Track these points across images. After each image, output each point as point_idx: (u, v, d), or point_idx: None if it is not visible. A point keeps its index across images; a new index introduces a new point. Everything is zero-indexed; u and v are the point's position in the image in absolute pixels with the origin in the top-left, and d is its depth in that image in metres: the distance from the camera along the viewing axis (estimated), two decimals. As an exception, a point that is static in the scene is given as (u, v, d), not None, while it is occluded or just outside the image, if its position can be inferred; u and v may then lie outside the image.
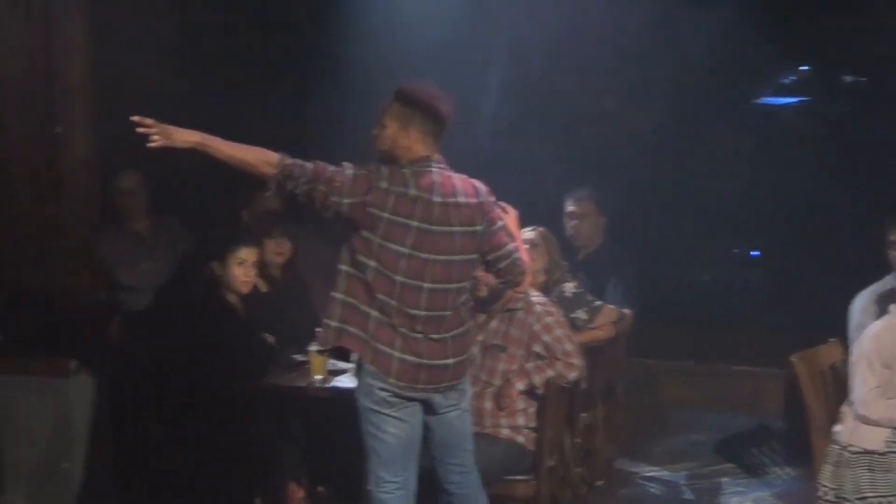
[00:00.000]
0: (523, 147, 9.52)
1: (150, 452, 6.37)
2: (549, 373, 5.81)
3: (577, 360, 5.87)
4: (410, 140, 4.87)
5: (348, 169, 4.78)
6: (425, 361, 4.87)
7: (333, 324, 4.88)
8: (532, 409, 5.87)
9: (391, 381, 4.84)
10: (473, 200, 4.94)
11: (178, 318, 6.42)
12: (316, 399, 6.03)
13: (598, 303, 6.75)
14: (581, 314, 6.66)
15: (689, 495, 6.63)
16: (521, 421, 5.86)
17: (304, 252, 7.27)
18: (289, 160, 4.73)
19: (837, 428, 5.33)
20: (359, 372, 4.93)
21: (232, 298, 6.34)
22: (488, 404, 5.84)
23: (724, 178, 9.80)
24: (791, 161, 9.57)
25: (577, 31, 8.89)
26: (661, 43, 9.00)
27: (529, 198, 8.46)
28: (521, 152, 9.50)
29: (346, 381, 5.87)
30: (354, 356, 4.98)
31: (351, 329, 4.86)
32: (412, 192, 4.79)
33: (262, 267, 6.74)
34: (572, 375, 5.86)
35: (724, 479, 6.77)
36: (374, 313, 4.83)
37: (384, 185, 4.76)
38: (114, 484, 6.39)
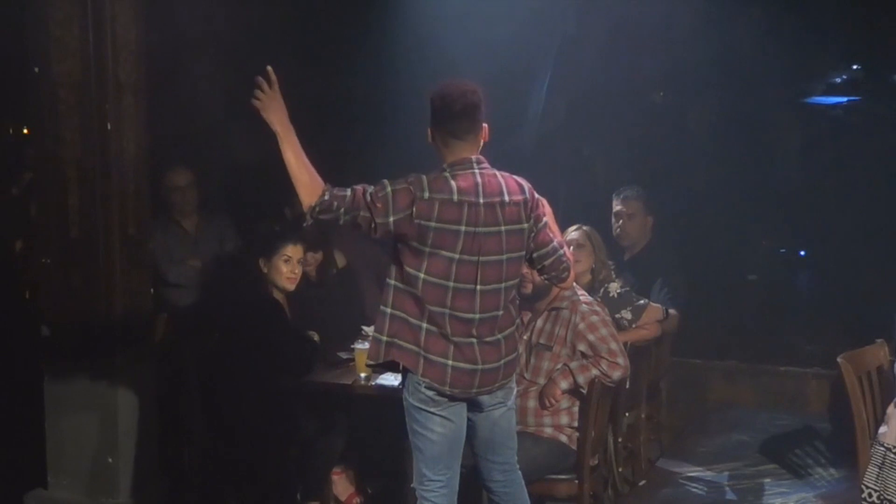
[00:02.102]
0: (572, 146, 9.55)
1: (194, 447, 6.42)
2: (594, 372, 5.81)
3: (622, 360, 5.87)
4: (437, 141, 4.87)
5: (387, 186, 4.74)
6: (480, 367, 4.87)
7: (384, 338, 4.88)
8: (575, 409, 5.88)
9: (446, 388, 4.85)
10: (519, 198, 4.90)
11: (225, 315, 6.47)
12: (360, 396, 6.07)
13: (642, 302, 6.75)
14: (626, 314, 6.67)
15: (731, 496, 6.59)
16: (564, 420, 5.87)
17: (354, 250, 7.32)
18: (328, 195, 4.67)
19: (883, 429, 5.28)
20: (405, 371, 4.93)
21: (278, 295, 6.38)
22: (532, 403, 5.86)
23: (773, 177, 9.78)
24: (840, 160, 9.53)
25: (626, 29, 8.90)
26: (710, 42, 8.99)
27: (578, 197, 8.52)
28: (570, 152, 9.53)
29: (391, 379, 5.90)
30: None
31: (401, 342, 4.86)
32: (455, 197, 4.76)
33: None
34: (616, 375, 5.86)
35: (768, 480, 6.72)
36: (426, 325, 4.82)
37: (426, 194, 4.73)
38: (159, 478, 6.45)
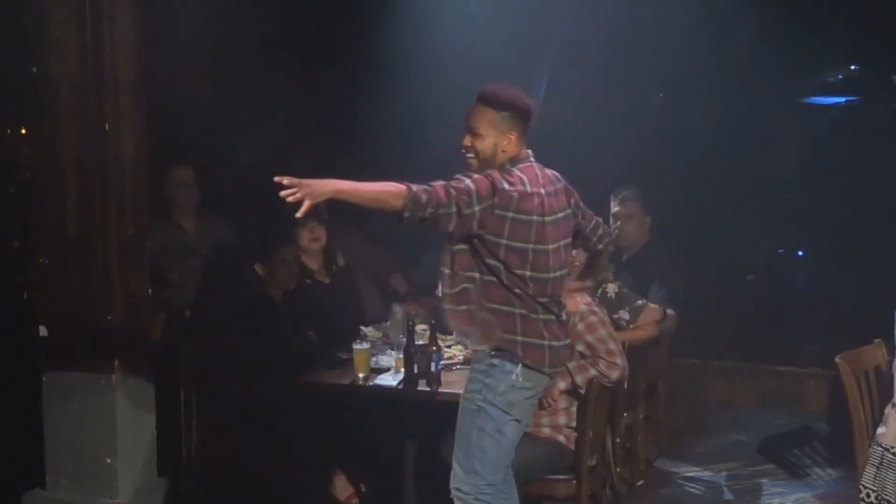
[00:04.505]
0: (570, 147, 9.55)
1: (193, 447, 6.42)
2: (592, 372, 5.80)
3: (620, 360, 5.86)
4: (512, 143, 4.97)
5: (466, 179, 4.80)
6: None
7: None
8: (574, 409, 5.87)
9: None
10: (560, 185, 5.10)
11: (223, 316, 6.47)
12: (360, 396, 6.07)
13: (640, 302, 6.75)
14: (624, 314, 6.67)
15: (729, 496, 6.61)
16: (562, 420, 5.87)
17: (348, 249, 7.32)
18: (414, 188, 4.67)
19: (881, 429, 5.28)
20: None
21: (276, 296, 6.39)
22: (530, 403, 5.86)
23: (770, 177, 9.78)
24: (839, 160, 9.53)
25: (623, 30, 8.90)
26: (710, 42, 8.99)
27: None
28: (569, 153, 9.53)
29: (389, 379, 5.90)
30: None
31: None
32: (528, 188, 4.89)
33: (302, 264, 6.79)
34: (615, 375, 5.85)
35: (765, 480, 6.75)
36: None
37: (506, 185, 4.83)
38: (159, 478, 6.45)
